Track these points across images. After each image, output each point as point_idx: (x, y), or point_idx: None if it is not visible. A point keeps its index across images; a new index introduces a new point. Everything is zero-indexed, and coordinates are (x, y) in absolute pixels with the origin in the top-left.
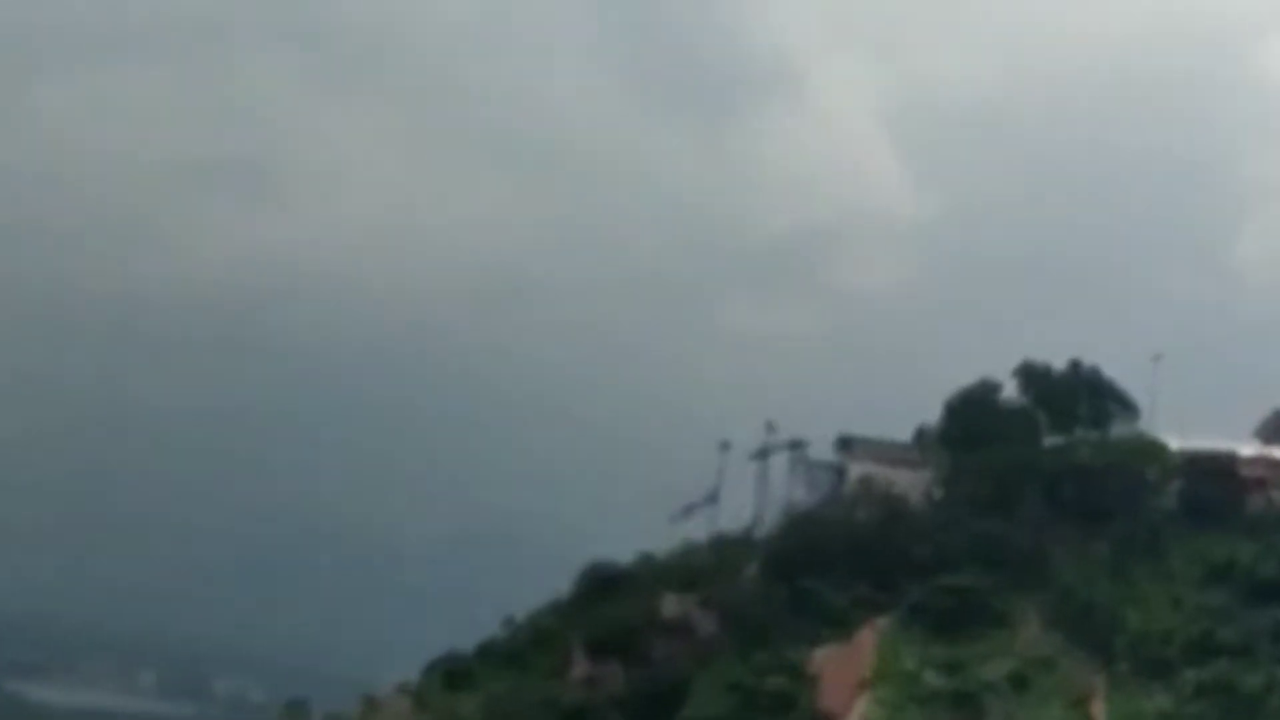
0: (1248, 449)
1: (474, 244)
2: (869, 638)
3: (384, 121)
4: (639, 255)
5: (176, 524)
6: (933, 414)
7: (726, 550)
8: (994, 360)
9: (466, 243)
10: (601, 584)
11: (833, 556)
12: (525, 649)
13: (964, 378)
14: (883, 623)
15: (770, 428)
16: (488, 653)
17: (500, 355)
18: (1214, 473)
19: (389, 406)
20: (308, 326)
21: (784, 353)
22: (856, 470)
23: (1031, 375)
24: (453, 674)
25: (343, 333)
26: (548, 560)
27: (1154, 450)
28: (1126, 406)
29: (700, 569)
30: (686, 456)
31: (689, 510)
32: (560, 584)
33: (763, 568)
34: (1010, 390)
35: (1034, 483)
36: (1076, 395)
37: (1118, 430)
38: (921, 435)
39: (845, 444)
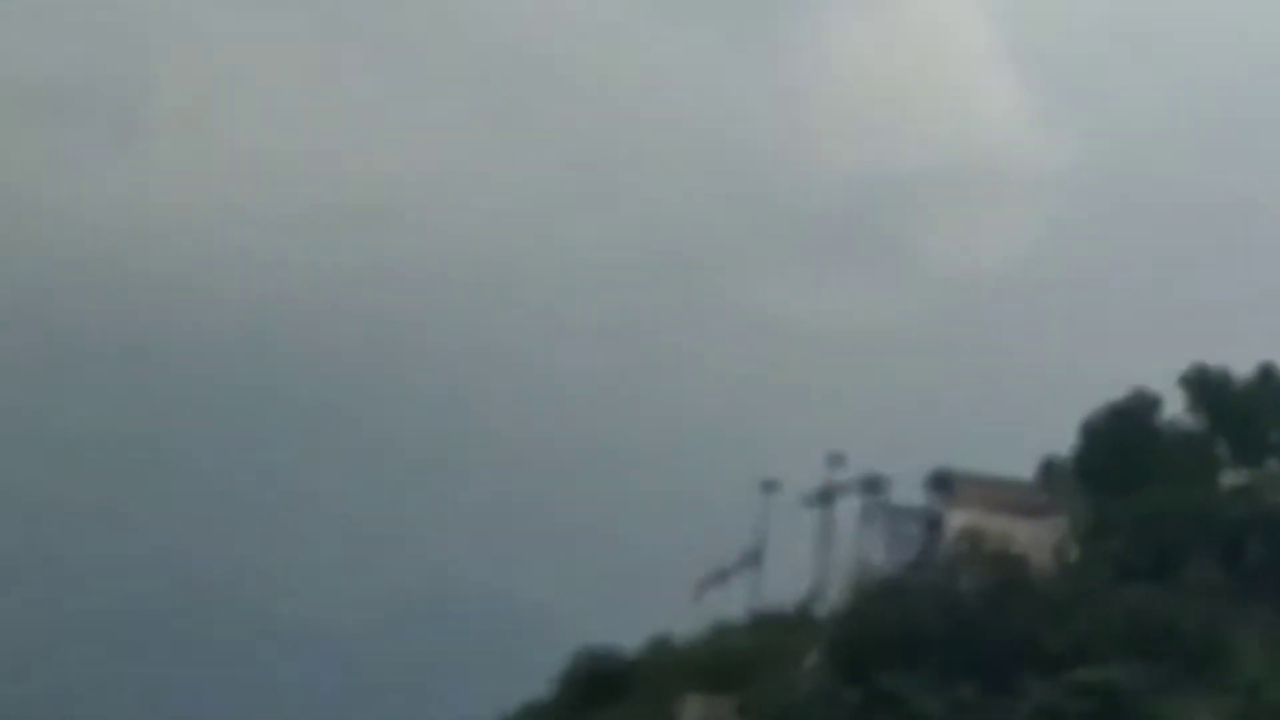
0: None
1: (429, 200)
2: None
3: (298, 27)
4: (652, 216)
5: None
6: (1064, 440)
7: (774, 633)
8: (1152, 364)
9: (416, 199)
10: (598, 681)
11: (925, 643)
12: None
13: (1109, 389)
14: None
15: (834, 461)
16: None
17: (459, 355)
18: None
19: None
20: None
21: (853, 352)
22: (958, 520)
23: (1205, 385)
24: None
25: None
26: (522, 645)
27: None
28: None
29: (737, 660)
30: (716, 501)
31: (721, 577)
32: (539, 679)
33: (826, 658)
34: (1175, 406)
35: (1208, 538)
36: (1267, 413)
37: None
38: (1050, 471)
39: (942, 483)
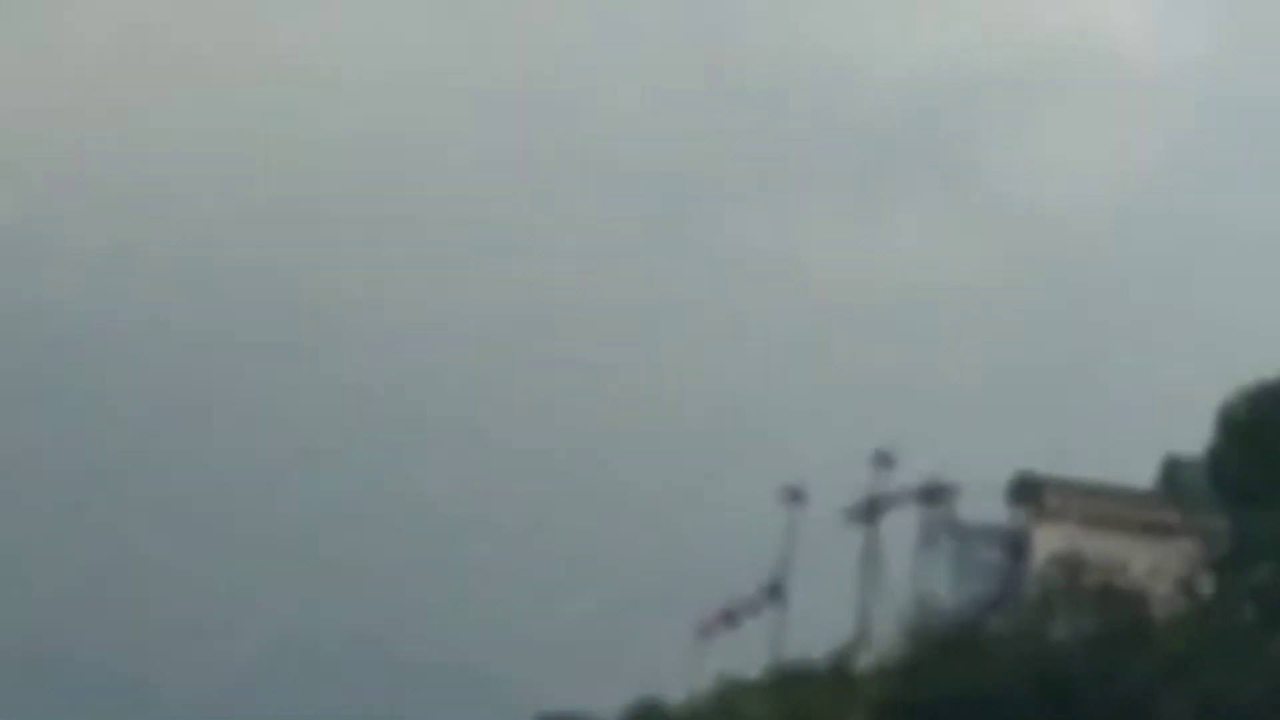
0: None
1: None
2: None
3: None
4: (641, 130)
5: None
6: (1196, 432)
7: (801, 694)
8: None
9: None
10: None
11: (1007, 707)
12: None
13: (1255, 365)
14: None
15: (882, 461)
16: None
17: (375, 328)
18: None
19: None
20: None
21: (906, 313)
22: (1050, 542)
23: None
24: None
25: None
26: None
27: None
28: None
29: None
30: (725, 515)
31: (730, 617)
32: None
33: None
34: None
35: None
36: None
37: None
38: (1173, 475)
39: (1028, 491)
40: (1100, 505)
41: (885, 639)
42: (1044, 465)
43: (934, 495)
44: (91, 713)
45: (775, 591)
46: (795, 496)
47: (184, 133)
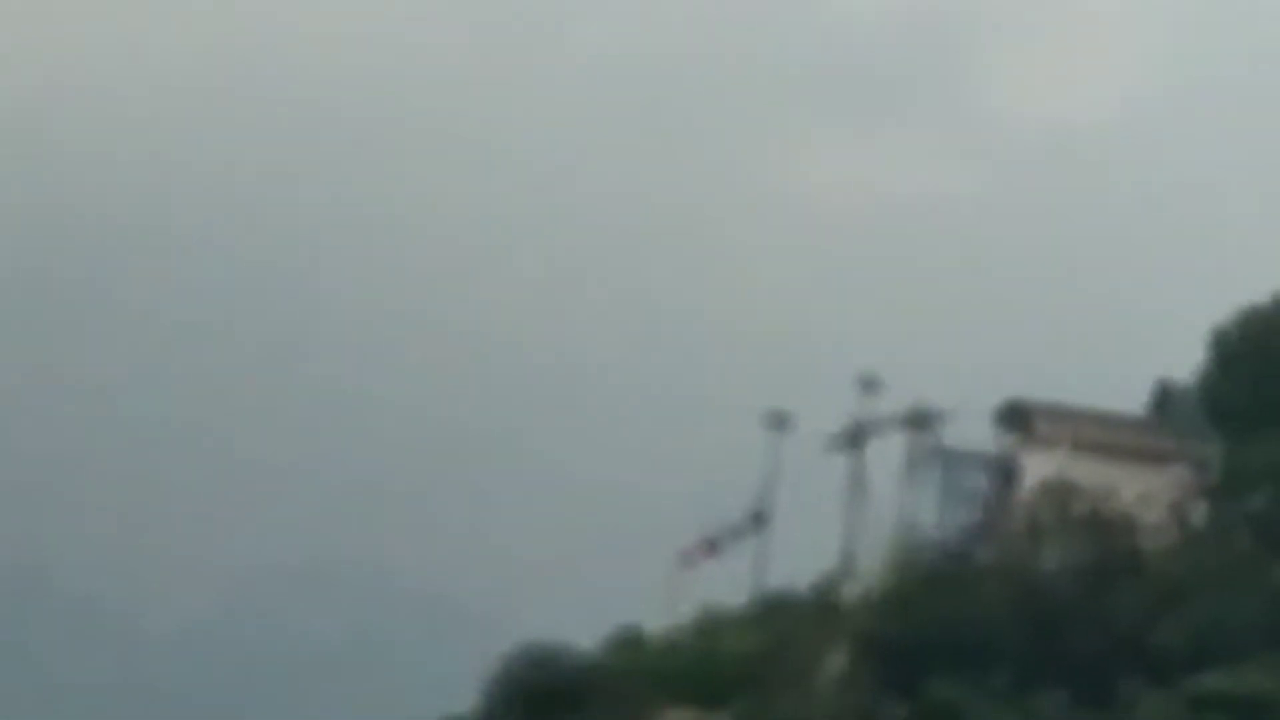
0: None
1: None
2: None
3: None
4: (635, 57)
5: None
6: (1186, 359)
7: (785, 625)
8: None
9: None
10: (543, 689)
11: (995, 638)
12: None
13: (1247, 287)
14: None
15: (869, 386)
16: None
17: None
18: None
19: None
20: None
21: (897, 234)
22: (1039, 468)
23: None
24: None
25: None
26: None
27: None
28: None
29: (734, 662)
30: (704, 441)
31: (712, 546)
32: (458, 686)
33: (857, 659)
34: None
35: None
36: None
37: None
38: (1165, 400)
39: (1017, 417)
40: (1091, 431)
41: (871, 569)
42: (1034, 390)
43: (921, 421)
44: (76, 639)
45: (759, 519)
46: (780, 422)
47: None
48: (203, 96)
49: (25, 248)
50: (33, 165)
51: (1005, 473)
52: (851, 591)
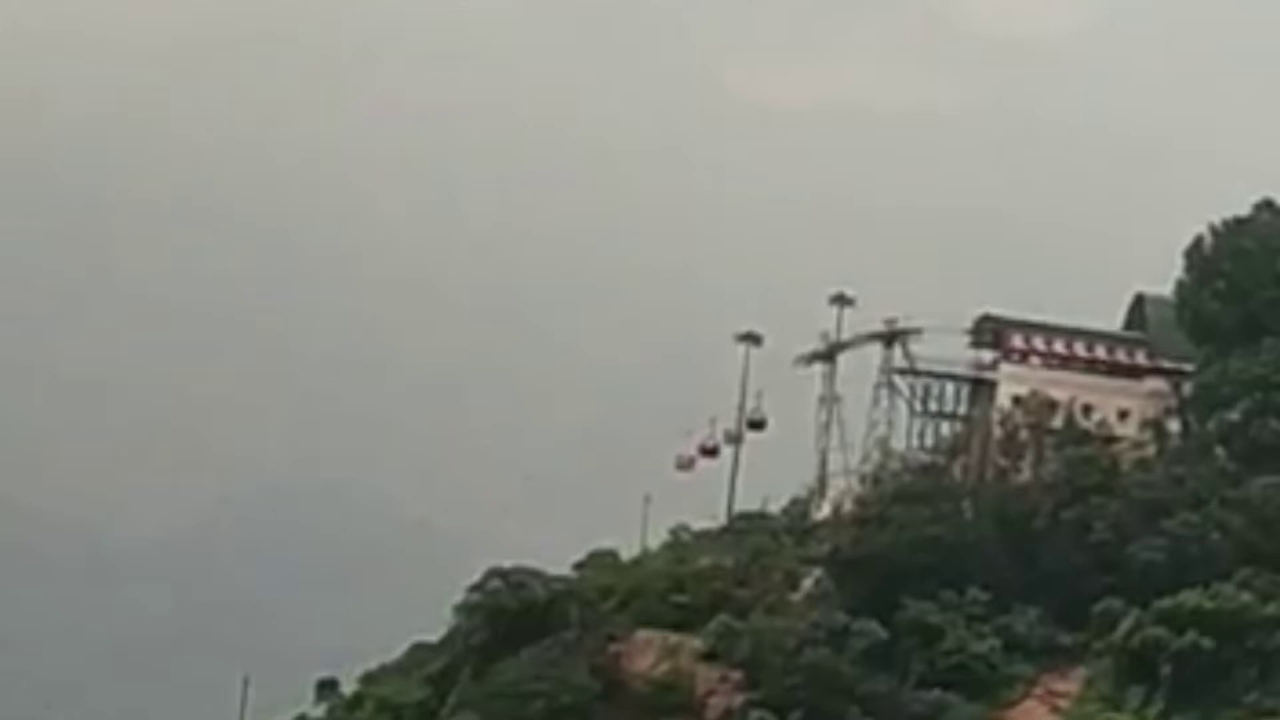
0: None
1: None
2: (1042, 714)
3: None
4: None
5: None
6: (1161, 272)
7: (755, 544)
8: None
9: None
10: (512, 614)
11: (970, 557)
12: None
13: (1223, 198)
14: (1069, 683)
15: (841, 303)
16: None
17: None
18: None
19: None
20: None
21: (866, 145)
22: (1014, 384)
23: None
24: None
25: None
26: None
27: None
28: None
29: (705, 583)
30: (673, 360)
31: (686, 463)
32: (426, 612)
33: (831, 580)
34: None
35: None
36: None
37: None
38: (1141, 314)
39: (990, 333)
40: (1065, 346)
41: (843, 487)
42: (1007, 305)
43: (895, 338)
44: (47, 558)
45: (733, 438)
46: (752, 341)
47: None
48: None
49: None
50: None
51: (979, 389)
52: (823, 508)
